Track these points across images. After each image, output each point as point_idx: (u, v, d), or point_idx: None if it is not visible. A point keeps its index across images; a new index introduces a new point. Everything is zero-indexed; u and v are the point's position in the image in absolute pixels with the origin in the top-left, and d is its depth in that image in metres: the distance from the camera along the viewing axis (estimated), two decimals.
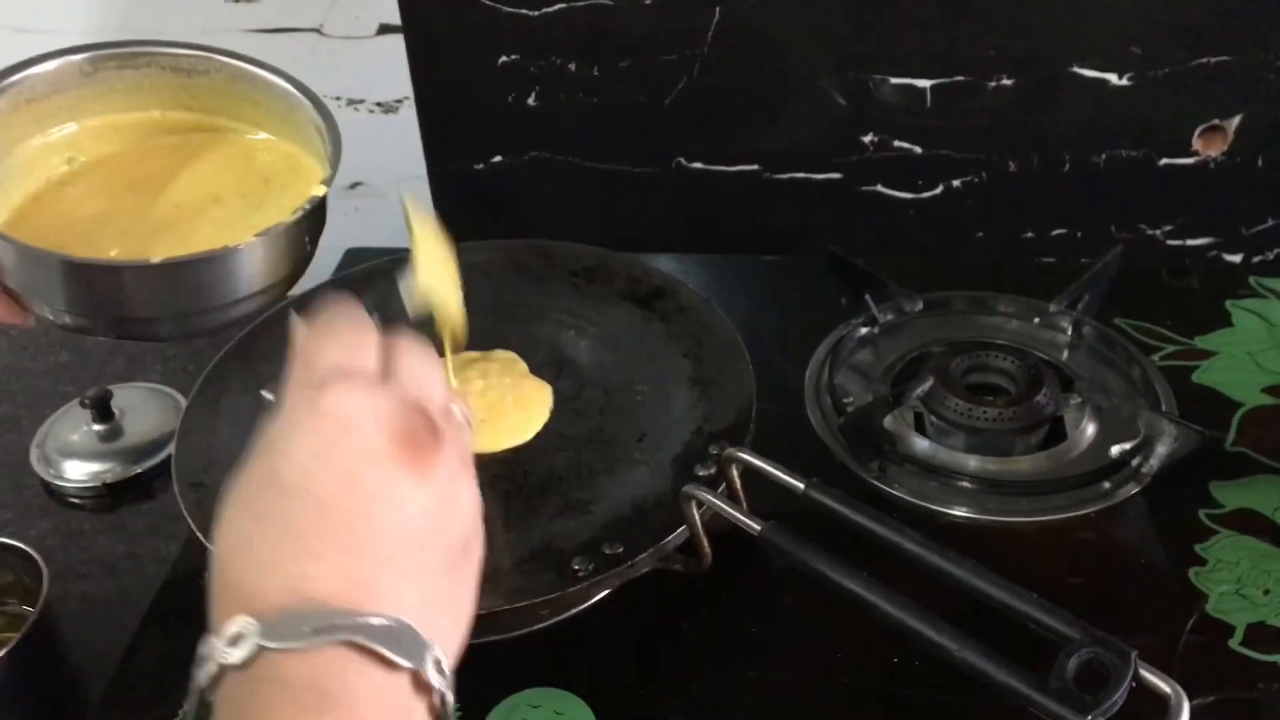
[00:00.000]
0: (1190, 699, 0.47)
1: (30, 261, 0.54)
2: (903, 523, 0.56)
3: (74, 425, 0.93)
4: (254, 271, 0.55)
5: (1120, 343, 0.82)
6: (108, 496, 0.89)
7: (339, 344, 0.41)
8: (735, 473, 0.61)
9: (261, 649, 0.35)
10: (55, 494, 0.90)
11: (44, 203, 0.59)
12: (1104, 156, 0.93)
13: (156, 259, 0.53)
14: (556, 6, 0.92)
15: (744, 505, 0.60)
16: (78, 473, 0.90)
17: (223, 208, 0.59)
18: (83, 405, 0.91)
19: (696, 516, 0.59)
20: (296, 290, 0.63)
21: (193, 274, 0.54)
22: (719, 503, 0.57)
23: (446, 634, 0.40)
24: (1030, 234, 0.99)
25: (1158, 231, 0.97)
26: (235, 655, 0.35)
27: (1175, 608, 0.64)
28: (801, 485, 0.57)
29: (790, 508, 0.58)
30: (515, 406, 0.72)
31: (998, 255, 1.00)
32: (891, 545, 0.54)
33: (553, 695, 0.61)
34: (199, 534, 0.63)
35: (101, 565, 0.84)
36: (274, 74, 0.62)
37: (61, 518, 0.88)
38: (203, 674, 0.36)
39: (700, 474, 0.63)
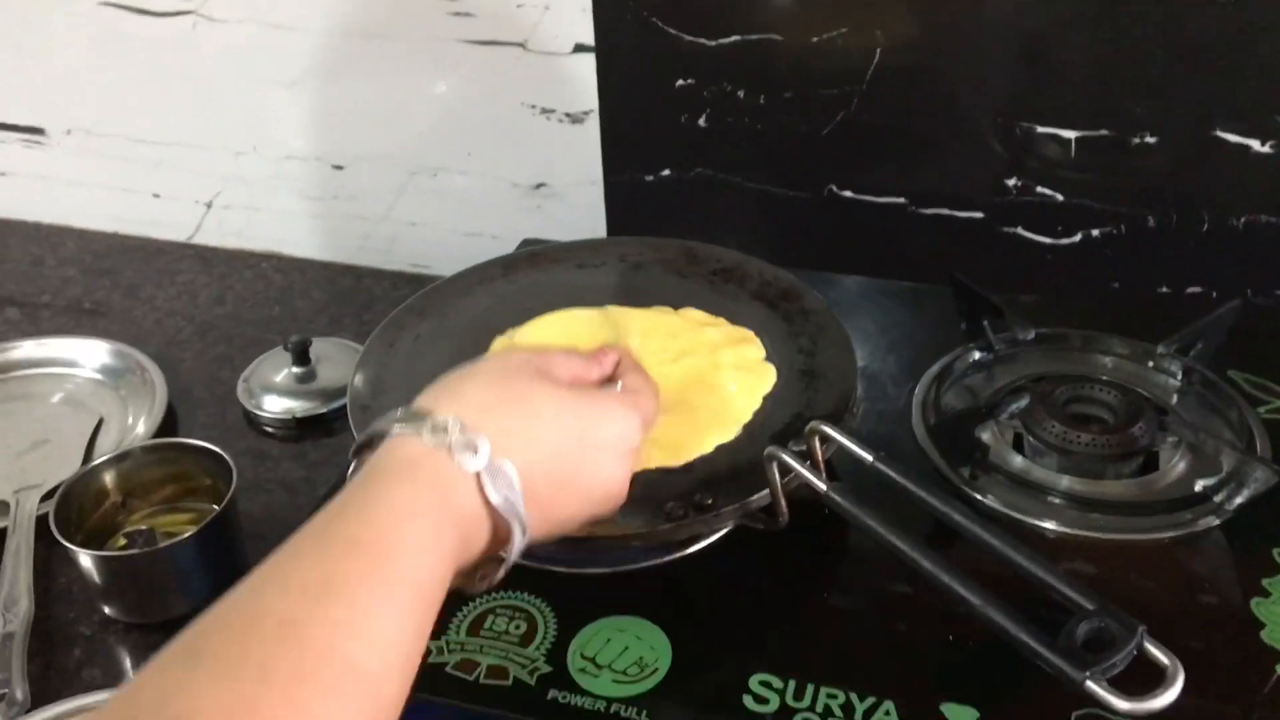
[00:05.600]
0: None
1: None
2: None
3: (276, 367, 1.07)
4: None
5: (1227, 391, 0.84)
6: (295, 429, 1.03)
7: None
8: (818, 445, 0.67)
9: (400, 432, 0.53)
10: (253, 422, 1.04)
11: None
12: (1243, 220, 0.96)
13: None
14: (731, 38, 1.01)
15: (823, 474, 0.67)
16: (274, 406, 1.03)
17: None
18: (285, 349, 1.06)
19: (777, 477, 0.65)
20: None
21: None
22: (793, 461, 0.64)
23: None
24: (1165, 289, 1.02)
25: None
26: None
27: (1229, 630, 0.67)
28: (870, 456, 0.64)
29: (867, 486, 0.65)
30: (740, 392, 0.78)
31: (1133, 308, 1.03)
32: (942, 515, 0.60)
33: (637, 624, 0.68)
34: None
35: (283, 485, 0.97)
36: None
37: (255, 442, 1.02)
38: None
39: (792, 448, 0.70)
